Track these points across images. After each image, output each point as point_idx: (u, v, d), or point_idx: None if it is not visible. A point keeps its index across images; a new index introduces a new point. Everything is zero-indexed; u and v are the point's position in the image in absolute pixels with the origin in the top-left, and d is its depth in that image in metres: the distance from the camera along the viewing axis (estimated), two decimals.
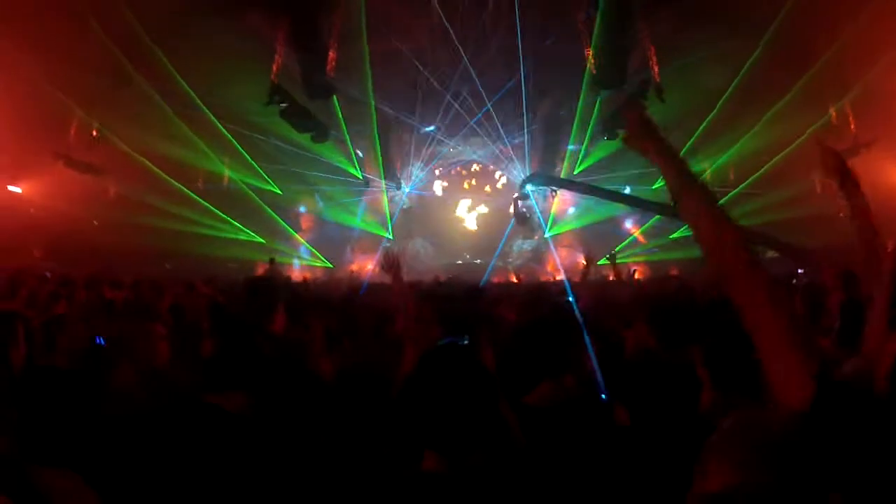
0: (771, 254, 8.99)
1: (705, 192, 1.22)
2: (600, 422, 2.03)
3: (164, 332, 2.67)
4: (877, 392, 1.00)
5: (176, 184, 15.33)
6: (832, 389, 0.96)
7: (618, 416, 2.08)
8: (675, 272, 13.55)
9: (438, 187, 21.72)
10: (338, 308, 4.58)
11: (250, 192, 17.07)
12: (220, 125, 14.78)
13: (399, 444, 1.86)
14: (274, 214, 18.08)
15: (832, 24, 11.53)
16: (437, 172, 21.55)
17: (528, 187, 12.21)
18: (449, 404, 1.44)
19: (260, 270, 14.08)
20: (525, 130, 18.51)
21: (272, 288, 2.67)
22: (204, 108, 14.05)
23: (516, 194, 10.57)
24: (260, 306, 2.41)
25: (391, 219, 20.23)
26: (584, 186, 16.22)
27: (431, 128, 19.32)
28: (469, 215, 21.53)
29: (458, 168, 21.61)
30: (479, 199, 21.48)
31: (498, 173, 21.46)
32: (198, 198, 16.02)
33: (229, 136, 15.21)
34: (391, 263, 3.08)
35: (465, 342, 3.64)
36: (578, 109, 15.57)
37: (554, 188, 14.53)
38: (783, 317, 1.06)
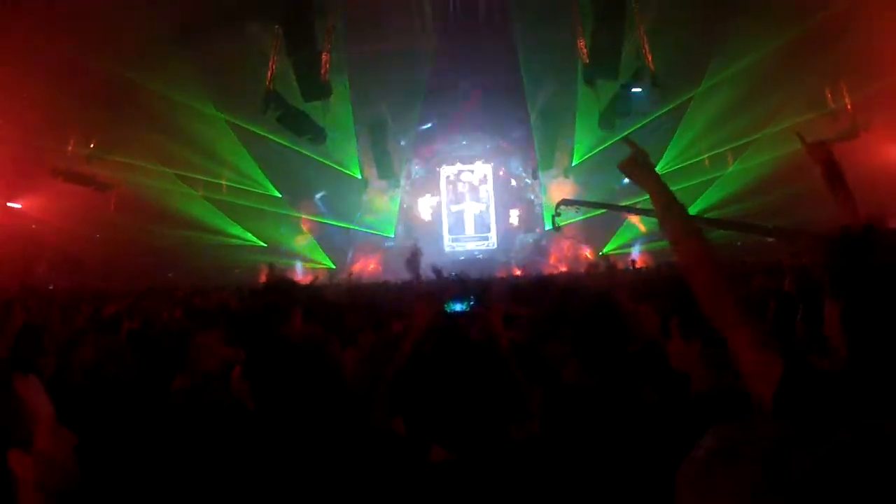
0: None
1: (685, 218, 1.47)
2: (624, 404, 1.81)
3: (221, 336, 2.63)
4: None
5: (179, 189, 15.33)
6: (801, 371, 1.09)
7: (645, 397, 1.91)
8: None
9: (439, 183, 21.69)
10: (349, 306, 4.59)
11: (250, 197, 17.08)
12: (225, 128, 14.76)
13: (406, 435, 1.75)
14: (288, 211, 18.15)
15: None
16: (438, 170, 21.54)
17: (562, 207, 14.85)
18: (449, 393, 1.31)
19: (262, 275, 14.07)
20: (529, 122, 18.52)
21: (289, 290, 2.65)
22: (214, 110, 14.01)
23: (553, 213, 12.55)
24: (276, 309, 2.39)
25: (394, 218, 20.29)
26: (616, 207, 16.61)
27: (429, 125, 19.35)
28: (467, 213, 21.45)
29: (459, 164, 21.60)
30: (479, 195, 21.40)
31: (499, 168, 21.43)
32: (202, 203, 16.05)
33: (232, 134, 15.18)
34: (415, 263, 3.18)
35: (471, 303, 3.59)
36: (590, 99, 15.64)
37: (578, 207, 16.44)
38: (749, 319, 1.23)
